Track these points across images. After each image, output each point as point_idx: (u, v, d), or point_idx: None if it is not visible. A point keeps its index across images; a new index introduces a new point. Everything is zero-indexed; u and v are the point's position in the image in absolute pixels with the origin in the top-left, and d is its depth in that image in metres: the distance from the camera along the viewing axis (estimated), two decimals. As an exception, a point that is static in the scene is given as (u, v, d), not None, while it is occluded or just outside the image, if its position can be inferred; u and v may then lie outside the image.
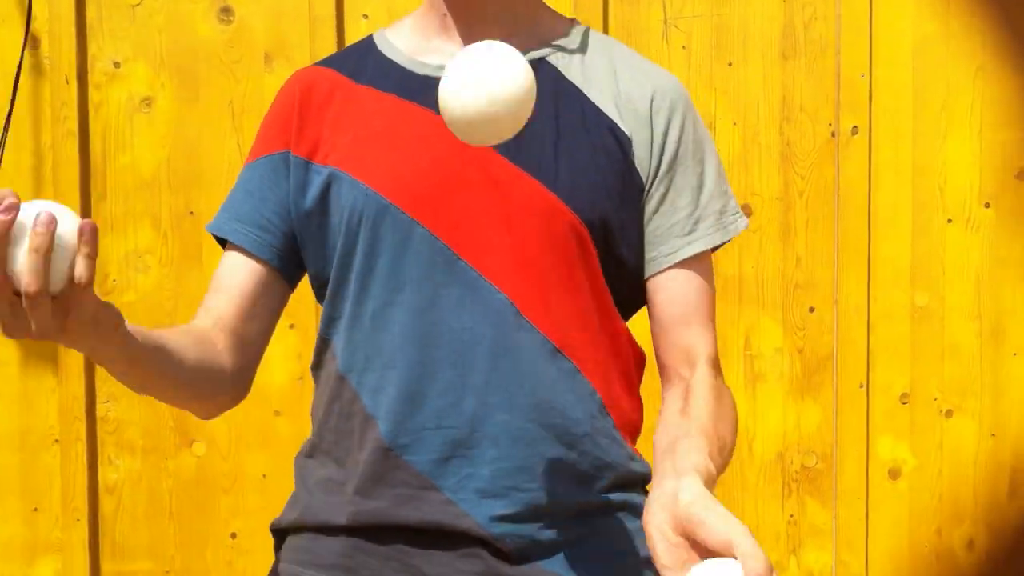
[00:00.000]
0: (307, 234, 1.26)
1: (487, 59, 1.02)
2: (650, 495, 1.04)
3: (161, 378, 1.15)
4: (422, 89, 1.25)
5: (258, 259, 1.27)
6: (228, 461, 2.43)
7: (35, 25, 2.35)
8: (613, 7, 2.42)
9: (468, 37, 1.26)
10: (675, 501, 0.96)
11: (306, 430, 2.51)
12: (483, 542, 1.19)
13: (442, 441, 1.19)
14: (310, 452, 1.30)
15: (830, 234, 2.50)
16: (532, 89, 1.03)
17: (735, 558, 0.89)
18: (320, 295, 1.29)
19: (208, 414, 1.27)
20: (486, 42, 1.06)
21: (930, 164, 2.48)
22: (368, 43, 1.34)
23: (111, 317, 1.00)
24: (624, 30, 2.43)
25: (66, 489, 2.40)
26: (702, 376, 1.21)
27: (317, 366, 1.31)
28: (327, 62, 1.34)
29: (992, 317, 2.50)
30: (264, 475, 2.43)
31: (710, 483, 1.01)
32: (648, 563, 1.22)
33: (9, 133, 2.37)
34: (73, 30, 2.36)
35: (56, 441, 2.39)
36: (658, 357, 1.29)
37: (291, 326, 2.41)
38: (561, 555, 1.22)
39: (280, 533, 1.31)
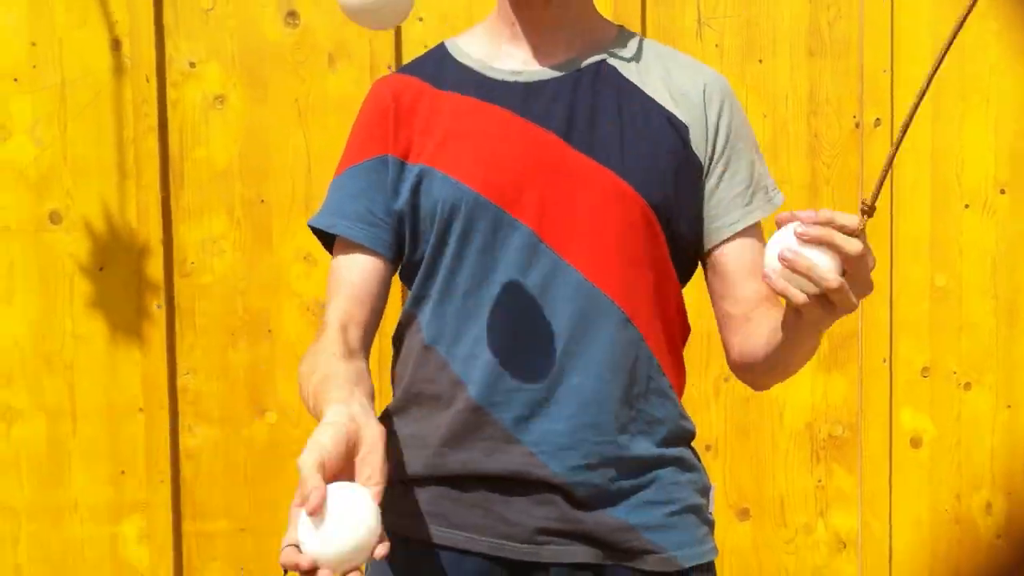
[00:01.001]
0: (401, 226, 1.37)
1: None
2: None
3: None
4: (498, 91, 1.35)
5: (375, 253, 1.36)
6: (298, 428, 2.51)
7: (116, 28, 2.44)
8: (650, 8, 2.50)
9: (535, 45, 1.37)
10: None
11: None
12: (559, 489, 1.29)
13: (525, 401, 1.29)
14: (394, 412, 1.40)
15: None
16: None
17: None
18: (406, 277, 1.39)
19: None
20: None
21: (948, 153, 2.56)
22: (442, 51, 1.43)
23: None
24: (661, 29, 2.49)
25: (150, 454, 2.50)
26: (778, 312, 1.32)
27: (399, 338, 1.41)
28: (408, 70, 1.44)
29: (1007, 296, 2.57)
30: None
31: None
32: (693, 510, 1.38)
33: (94, 127, 2.47)
34: (152, 33, 2.44)
35: (140, 410, 2.49)
36: (723, 312, 1.39)
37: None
38: (624, 503, 1.33)
39: None
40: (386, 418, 1.41)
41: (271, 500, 2.53)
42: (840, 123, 2.56)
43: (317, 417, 1.17)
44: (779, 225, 1.13)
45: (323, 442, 1.05)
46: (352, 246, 1.37)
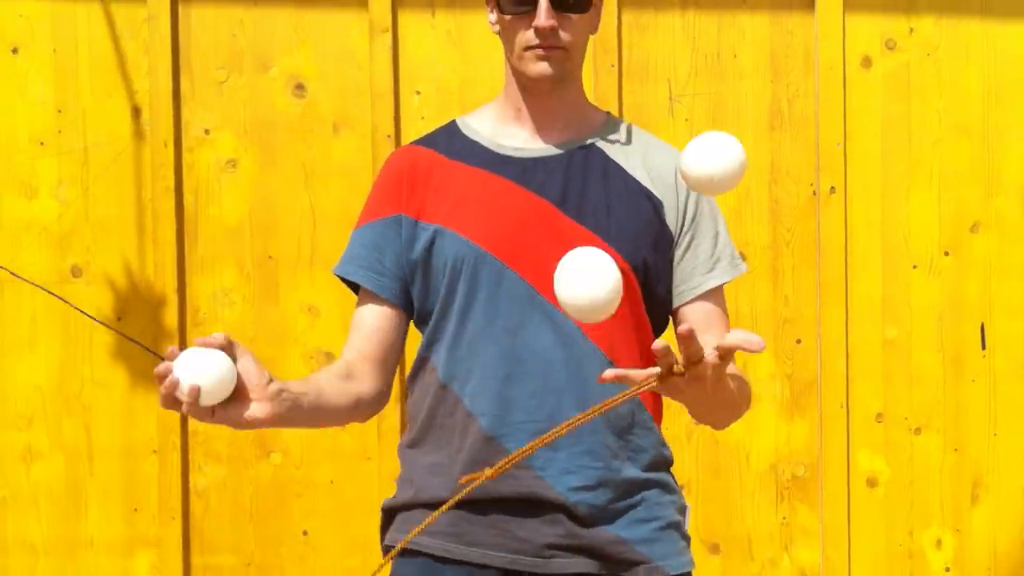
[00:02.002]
0: (414, 277, 1.50)
1: (589, 266, 1.20)
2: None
3: (312, 419, 1.42)
4: (503, 164, 1.50)
5: (382, 300, 1.50)
6: (301, 470, 2.59)
7: (136, 97, 2.56)
8: (626, 85, 2.62)
9: (536, 126, 1.52)
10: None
11: (367, 444, 2.77)
12: (563, 509, 1.43)
13: (530, 431, 1.40)
14: (412, 444, 1.52)
15: (812, 278, 2.68)
16: (619, 294, 1.20)
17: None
18: (420, 323, 1.52)
19: (363, 420, 1.53)
20: (588, 248, 1.24)
21: (897, 219, 2.67)
22: (452, 127, 1.58)
23: (258, 414, 1.27)
24: (635, 105, 2.61)
25: (162, 492, 2.56)
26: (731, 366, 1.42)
27: (414, 378, 1.53)
28: (422, 142, 1.58)
29: (953, 349, 2.67)
30: (332, 481, 2.59)
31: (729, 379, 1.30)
32: (674, 526, 1.51)
33: (114, 187, 2.57)
34: (170, 102, 2.54)
35: (154, 451, 2.56)
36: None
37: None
38: (618, 520, 1.46)
39: (391, 512, 1.54)
40: (404, 449, 1.54)
41: (275, 536, 2.59)
42: (798, 191, 2.66)
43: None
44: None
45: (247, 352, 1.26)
46: (367, 293, 1.51)
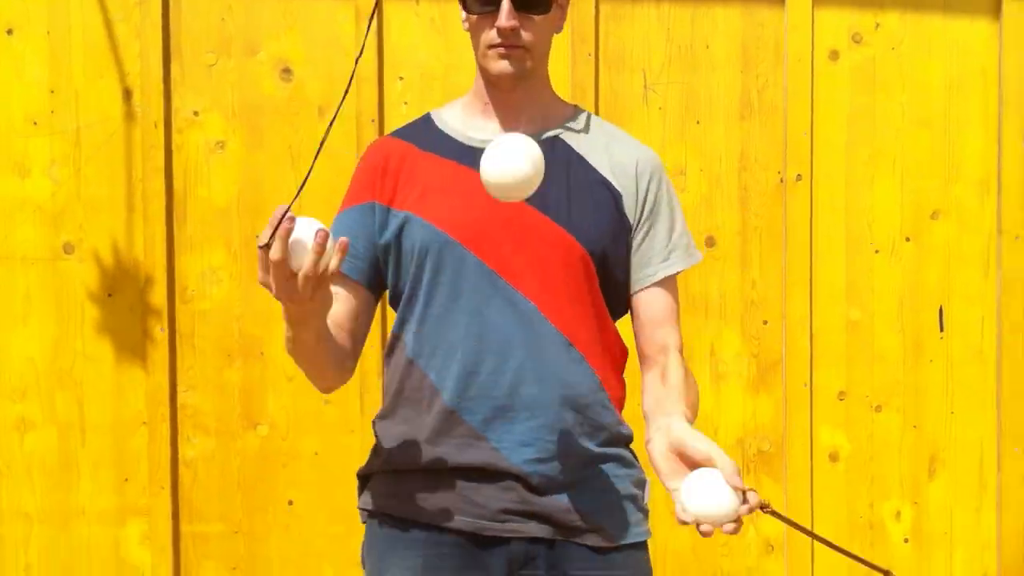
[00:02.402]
0: (386, 260, 1.57)
1: (514, 145, 1.35)
2: (650, 432, 1.41)
3: (320, 350, 1.48)
4: (471, 156, 1.54)
5: (354, 281, 1.57)
6: (286, 441, 2.63)
7: (128, 80, 2.57)
8: (603, 75, 2.66)
9: (503, 121, 1.57)
10: (669, 431, 1.35)
11: (350, 417, 2.82)
12: (518, 478, 1.50)
13: (489, 406, 1.50)
14: (383, 416, 1.60)
15: (779, 261, 2.73)
16: (540, 171, 1.35)
17: (715, 467, 1.29)
18: (394, 303, 1.60)
19: (331, 387, 1.58)
20: (513, 134, 1.37)
21: (860, 206, 2.73)
22: (427, 119, 1.64)
23: (328, 303, 1.38)
24: (612, 94, 2.66)
25: (152, 463, 2.60)
26: (675, 360, 1.53)
27: (389, 354, 1.60)
28: (397, 134, 1.64)
29: (912, 330, 2.75)
30: (316, 453, 2.63)
31: (689, 423, 1.38)
32: (630, 498, 1.58)
33: (105, 167, 2.59)
34: (160, 84, 2.56)
35: (144, 423, 2.59)
36: (640, 349, 1.60)
37: (338, 331, 2.65)
38: (571, 491, 1.53)
39: (365, 478, 1.63)
40: (377, 421, 1.62)
41: (261, 505, 2.64)
42: (766, 178, 2.71)
43: (289, 332, 1.44)
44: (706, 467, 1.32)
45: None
46: (342, 275, 1.57)
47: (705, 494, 1.29)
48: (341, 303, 1.58)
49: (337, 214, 1.62)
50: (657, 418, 1.43)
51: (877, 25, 2.71)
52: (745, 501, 1.27)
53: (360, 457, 2.50)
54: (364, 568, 1.63)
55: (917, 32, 2.72)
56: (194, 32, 2.60)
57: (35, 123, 2.59)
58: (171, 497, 2.62)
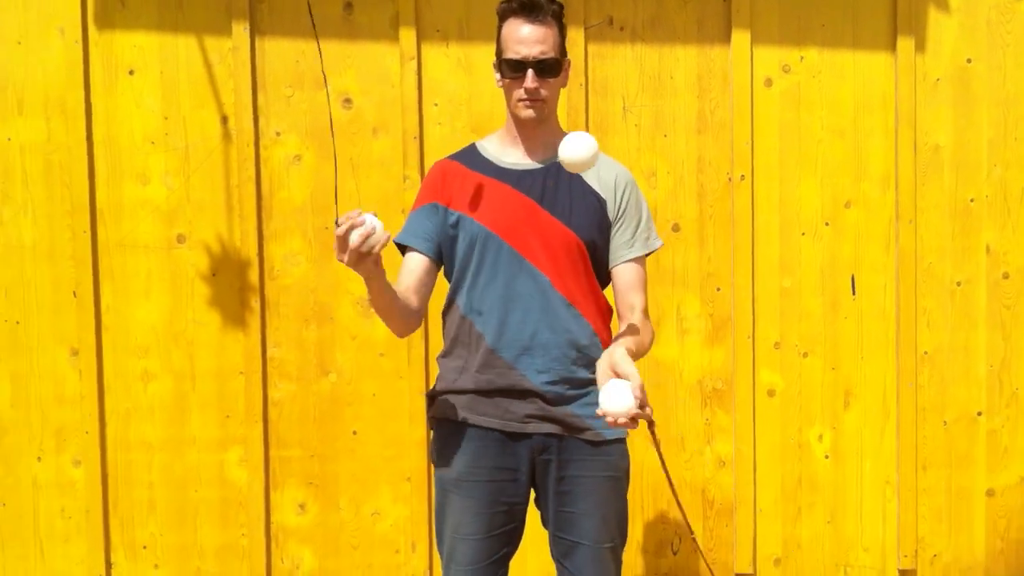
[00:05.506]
0: (446, 245, 1.98)
1: (582, 139, 1.75)
2: (602, 354, 1.79)
3: (390, 305, 1.84)
4: (504, 174, 1.95)
5: (426, 255, 1.97)
6: (351, 385, 2.97)
7: (224, 108, 2.89)
8: (591, 99, 2.98)
9: (528, 150, 1.97)
10: (611, 353, 1.74)
11: (400, 366, 2.98)
12: (538, 394, 1.92)
13: (518, 347, 1.91)
14: (444, 354, 2.02)
15: (728, 242, 3.02)
16: (596, 154, 1.75)
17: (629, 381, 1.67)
18: (449, 275, 2.02)
19: (402, 333, 1.96)
20: (580, 132, 1.77)
21: (790, 198, 3.04)
22: (472, 147, 2.04)
23: (380, 270, 1.71)
24: (599, 114, 2.97)
25: (247, 403, 2.94)
26: (636, 315, 1.96)
27: (445, 313, 2.01)
28: (453, 157, 2.03)
29: (831, 294, 3.06)
30: (374, 394, 2.98)
31: (628, 353, 1.74)
32: None
33: (208, 176, 2.89)
34: (250, 112, 2.90)
35: (241, 373, 2.94)
36: (616, 307, 2.02)
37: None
38: (574, 403, 1.95)
39: (432, 397, 2.05)
40: (440, 359, 2.04)
41: (332, 435, 2.99)
42: (718, 178, 3.00)
43: (367, 293, 1.80)
44: (619, 380, 1.64)
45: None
46: (412, 250, 1.98)
47: (614, 396, 1.61)
48: (413, 273, 1.97)
49: (411, 211, 2.04)
50: (611, 346, 1.82)
51: (801, 58, 3.03)
52: (642, 407, 1.61)
53: (408, 397, 2.99)
54: (432, 460, 2.06)
55: (832, 63, 3.03)
56: (276, 71, 2.95)
57: (152, 143, 2.93)
58: (262, 429, 2.93)
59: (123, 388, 2.98)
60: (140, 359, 2.98)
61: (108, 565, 3.02)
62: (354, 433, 3.01)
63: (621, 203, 1.99)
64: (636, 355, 1.80)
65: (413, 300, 1.93)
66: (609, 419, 1.61)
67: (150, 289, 2.98)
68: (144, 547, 3.01)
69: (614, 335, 1.92)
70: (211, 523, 3.02)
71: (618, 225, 1.98)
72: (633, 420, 1.59)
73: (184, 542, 3.02)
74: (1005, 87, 3.11)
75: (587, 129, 2.97)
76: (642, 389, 1.60)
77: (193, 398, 2.98)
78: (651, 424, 1.65)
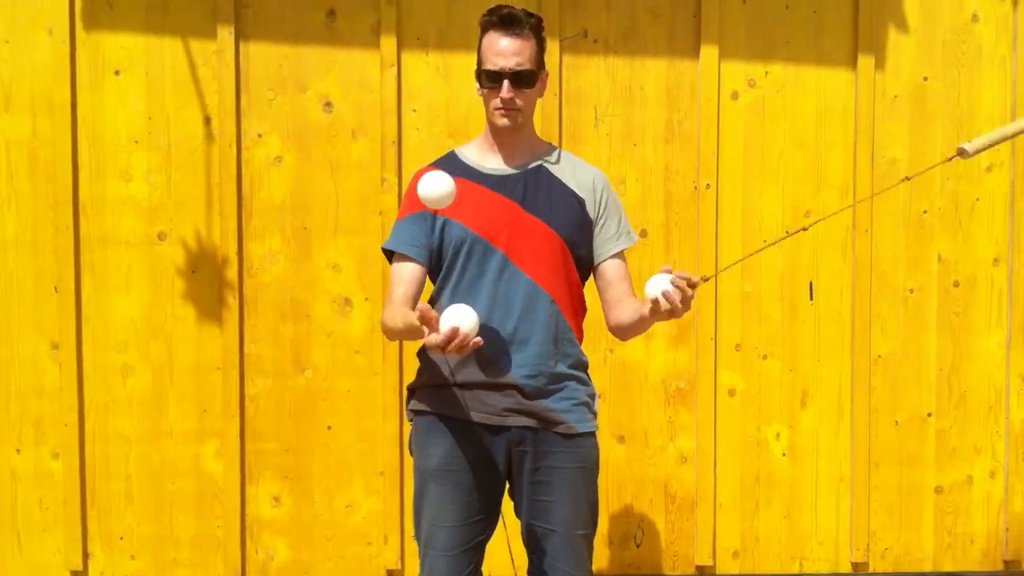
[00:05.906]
0: (432, 248, 2.05)
1: (436, 178, 1.82)
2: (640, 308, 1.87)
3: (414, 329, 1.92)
4: (485, 179, 2.04)
5: (418, 262, 2.06)
6: (326, 381, 3.04)
7: (207, 109, 2.95)
8: (565, 109, 3.07)
9: (505, 156, 2.05)
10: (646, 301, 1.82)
11: (375, 363, 3.04)
12: (516, 388, 2.01)
13: (500, 343, 1.99)
14: (425, 349, 2.10)
15: (694, 247, 3.11)
16: (452, 194, 1.83)
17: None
18: (434, 277, 2.10)
19: (396, 340, 2.09)
20: (434, 172, 1.84)
21: (753, 207, 3.13)
22: (452, 154, 2.12)
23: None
24: (572, 125, 3.06)
25: (224, 398, 3.00)
26: (635, 297, 2.03)
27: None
28: (434, 165, 2.10)
29: (790, 299, 3.15)
30: (348, 390, 3.05)
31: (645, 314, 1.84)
32: (584, 404, 2.08)
33: (190, 175, 2.94)
34: (233, 113, 2.96)
35: (218, 368, 3.00)
36: (606, 299, 2.07)
37: (366, 299, 2.99)
38: (550, 398, 2.03)
39: (412, 390, 2.14)
40: (420, 352, 2.13)
41: (307, 430, 3.05)
42: (685, 186, 3.09)
43: (405, 324, 1.89)
44: (662, 271, 1.79)
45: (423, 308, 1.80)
46: (406, 258, 2.06)
47: (655, 282, 1.78)
48: (413, 283, 2.05)
49: (398, 220, 2.11)
50: (640, 307, 1.92)
51: (766, 73, 3.13)
52: (690, 286, 1.73)
53: (382, 393, 3.06)
54: (411, 453, 2.14)
55: (796, 79, 3.14)
56: (259, 74, 3.02)
57: (136, 141, 3.00)
58: (239, 423, 2.99)
59: (102, 381, 3.02)
60: (119, 353, 3.03)
61: (85, 556, 3.06)
62: (329, 428, 3.07)
63: (601, 201, 2.08)
64: (649, 323, 1.91)
65: (412, 307, 2.01)
66: (650, 300, 1.73)
67: (130, 284, 3.03)
68: (121, 538, 3.05)
69: (623, 314, 2.02)
70: (187, 515, 3.07)
71: (601, 222, 2.08)
72: (688, 286, 1.72)
73: (160, 533, 3.07)
74: (959, 104, 3.23)
75: (560, 137, 3.06)
76: (681, 277, 1.73)
77: (171, 392, 3.03)
78: (705, 279, 1.77)
